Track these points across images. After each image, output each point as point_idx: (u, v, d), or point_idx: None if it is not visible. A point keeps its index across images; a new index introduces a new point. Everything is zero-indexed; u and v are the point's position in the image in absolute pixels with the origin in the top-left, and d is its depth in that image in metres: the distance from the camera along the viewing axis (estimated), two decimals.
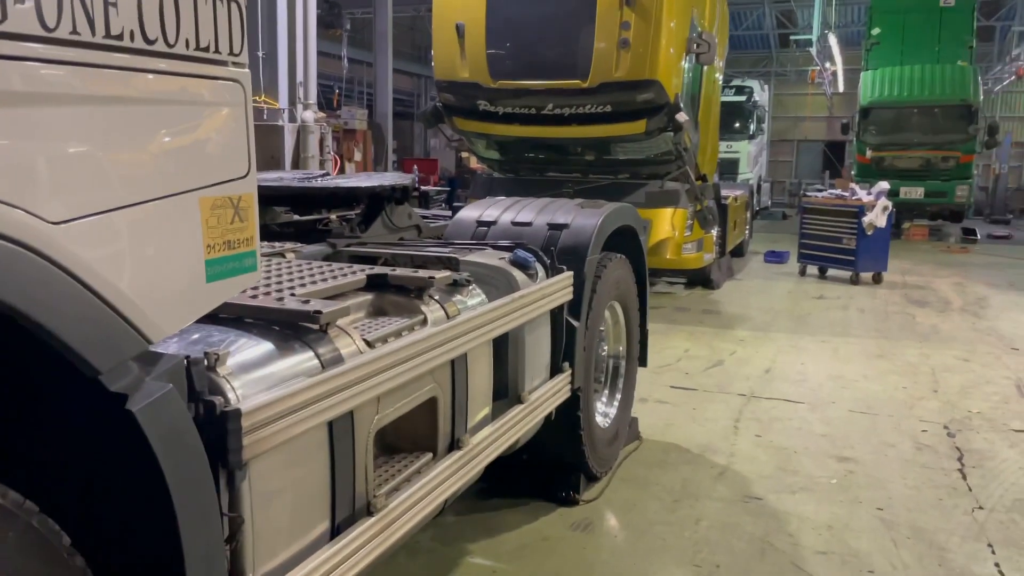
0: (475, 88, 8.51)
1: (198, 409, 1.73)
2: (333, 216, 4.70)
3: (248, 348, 2.00)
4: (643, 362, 4.90)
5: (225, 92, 1.71)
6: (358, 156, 14.25)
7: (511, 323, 3.09)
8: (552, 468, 4.12)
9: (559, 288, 3.55)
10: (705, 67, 9.44)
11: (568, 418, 3.86)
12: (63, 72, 1.36)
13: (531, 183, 9.29)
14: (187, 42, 1.59)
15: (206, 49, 1.64)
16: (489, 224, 4.09)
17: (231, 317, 2.19)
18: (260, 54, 8.92)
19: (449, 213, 5.11)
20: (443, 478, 2.64)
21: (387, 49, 14.97)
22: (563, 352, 3.69)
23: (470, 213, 4.24)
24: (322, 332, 2.21)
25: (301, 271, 2.74)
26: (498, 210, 4.18)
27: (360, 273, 2.74)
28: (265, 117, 9.01)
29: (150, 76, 1.52)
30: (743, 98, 21.50)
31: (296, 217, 4.87)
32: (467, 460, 2.80)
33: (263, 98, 8.92)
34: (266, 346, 2.05)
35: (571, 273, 3.67)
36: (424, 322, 2.66)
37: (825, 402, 5.86)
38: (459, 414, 2.81)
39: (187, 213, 1.61)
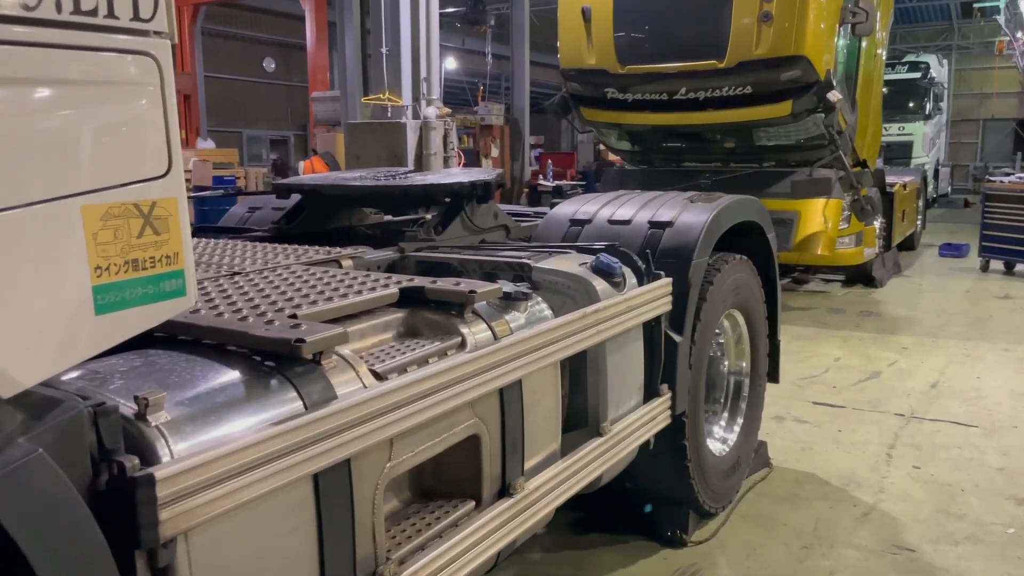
0: (602, 75, 8.02)
1: (111, 472, 1.38)
2: (428, 216, 4.35)
3: (202, 389, 1.63)
4: (773, 378, 4.24)
5: (126, 68, 1.33)
6: (495, 152, 14.02)
7: (582, 343, 2.60)
8: (657, 502, 3.59)
9: (653, 298, 3.01)
10: (864, 40, 8.46)
11: (671, 448, 3.31)
12: None
13: (666, 174, 8.69)
14: (59, 4, 1.22)
15: (91, 13, 1.27)
16: (583, 222, 3.60)
17: (209, 345, 1.84)
18: (384, 51, 8.79)
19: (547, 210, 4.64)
20: (484, 533, 2.18)
21: (524, 42, 14.62)
22: (661, 372, 3.15)
23: (565, 210, 3.76)
24: (314, 363, 1.82)
25: (329, 283, 2.37)
26: (596, 206, 3.68)
27: (393, 287, 2.33)
28: (389, 115, 8.88)
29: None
30: (918, 75, 19.91)
31: (388, 218, 4.59)
32: (520, 509, 2.34)
33: (387, 95, 8.79)
34: (229, 385, 1.67)
35: (669, 280, 3.12)
36: (462, 345, 2.22)
37: (1004, 426, 4.92)
38: (511, 453, 2.35)
39: (58, 226, 1.24)
